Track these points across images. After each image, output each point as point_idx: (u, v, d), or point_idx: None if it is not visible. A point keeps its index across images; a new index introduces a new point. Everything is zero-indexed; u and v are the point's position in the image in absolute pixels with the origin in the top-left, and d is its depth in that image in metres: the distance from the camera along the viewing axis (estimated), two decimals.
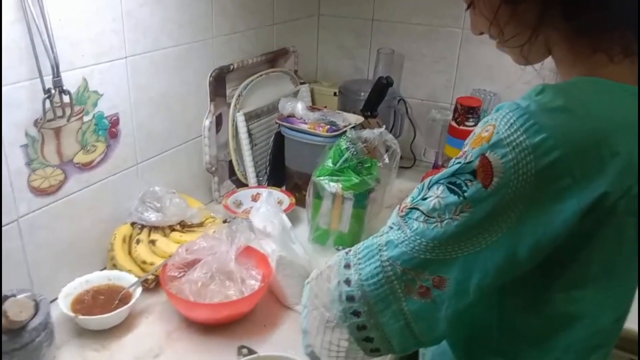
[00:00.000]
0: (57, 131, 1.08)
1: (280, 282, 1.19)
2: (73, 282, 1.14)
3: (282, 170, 1.63)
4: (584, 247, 0.63)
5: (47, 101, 1.01)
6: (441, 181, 0.63)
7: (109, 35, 1.15)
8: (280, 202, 1.53)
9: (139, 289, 1.14)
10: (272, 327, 1.15)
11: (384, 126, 1.41)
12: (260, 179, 1.67)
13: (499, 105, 0.63)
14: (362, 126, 1.62)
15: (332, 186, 1.36)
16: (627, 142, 0.58)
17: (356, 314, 0.68)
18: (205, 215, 1.38)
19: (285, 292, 1.19)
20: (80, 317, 1.06)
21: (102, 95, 1.16)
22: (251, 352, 1.05)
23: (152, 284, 1.20)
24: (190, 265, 1.15)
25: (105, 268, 1.25)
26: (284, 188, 1.63)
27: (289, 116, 1.58)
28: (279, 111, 1.60)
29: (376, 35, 1.95)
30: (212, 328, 1.12)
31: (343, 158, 1.36)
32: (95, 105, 1.16)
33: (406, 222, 0.65)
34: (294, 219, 1.54)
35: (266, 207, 1.23)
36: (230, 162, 1.62)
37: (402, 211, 0.67)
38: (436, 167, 1.88)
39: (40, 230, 1.10)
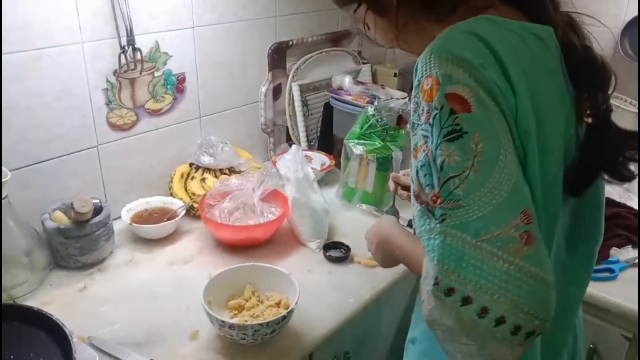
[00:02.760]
0: (132, 81, 1.40)
1: (295, 220, 1.41)
2: (136, 201, 1.46)
3: (330, 136, 1.85)
4: None
5: (122, 55, 1.32)
6: (438, 145, 0.61)
7: (180, 8, 1.45)
8: (323, 164, 1.76)
9: (184, 211, 1.43)
10: (284, 255, 1.38)
11: (407, 98, 1.57)
12: (312, 144, 1.90)
13: (416, 64, 0.66)
14: None
15: (358, 148, 1.56)
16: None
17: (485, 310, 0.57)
18: (252, 165, 1.64)
19: (298, 229, 1.41)
20: (134, 224, 1.37)
21: (171, 56, 1.47)
22: None
23: (197, 212, 1.49)
24: (224, 197, 1.42)
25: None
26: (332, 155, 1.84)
27: (338, 89, 1.80)
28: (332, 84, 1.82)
29: None
30: (235, 249, 1.38)
31: (368, 124, 1.55)
32: (165, 64, 1.46)
33: (451, 199, 0.59)
34: (334, 179, 1.75)
35: (292, 158, 1.45)
36: (287, 127, 1.87)
37: (434, 201, 0.61)
38: None
39: (115, 157, 1.43)
